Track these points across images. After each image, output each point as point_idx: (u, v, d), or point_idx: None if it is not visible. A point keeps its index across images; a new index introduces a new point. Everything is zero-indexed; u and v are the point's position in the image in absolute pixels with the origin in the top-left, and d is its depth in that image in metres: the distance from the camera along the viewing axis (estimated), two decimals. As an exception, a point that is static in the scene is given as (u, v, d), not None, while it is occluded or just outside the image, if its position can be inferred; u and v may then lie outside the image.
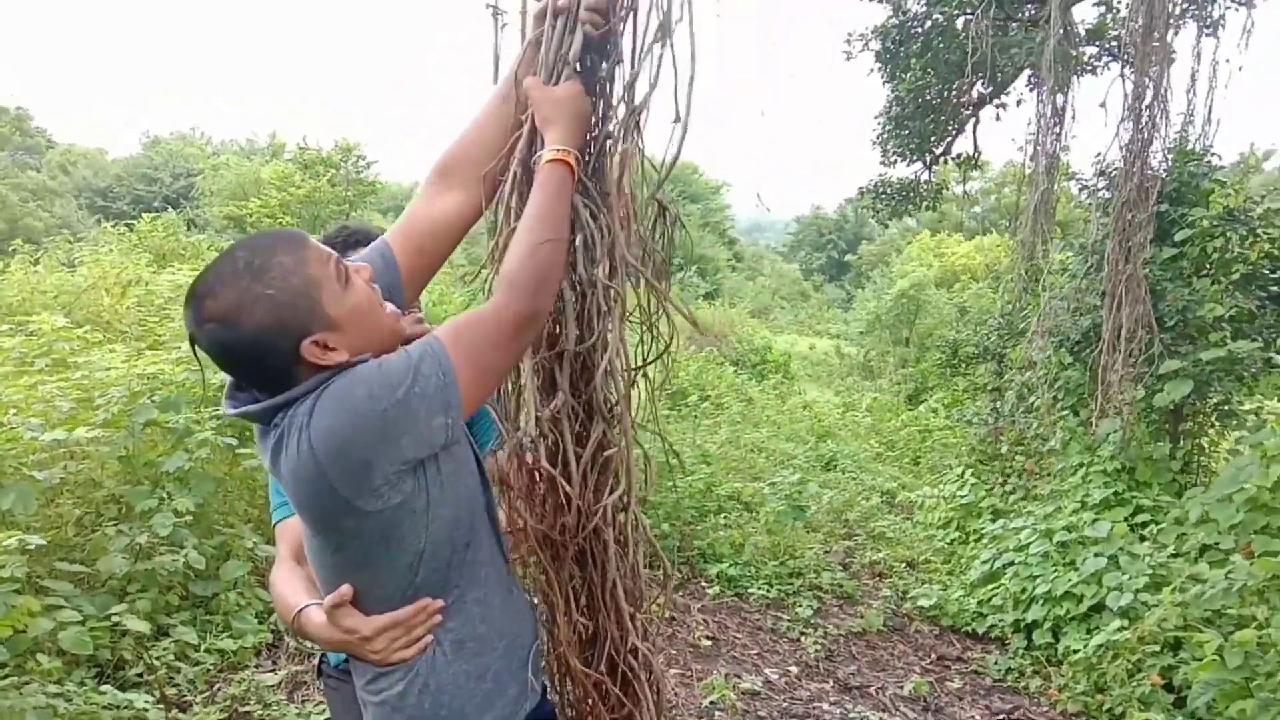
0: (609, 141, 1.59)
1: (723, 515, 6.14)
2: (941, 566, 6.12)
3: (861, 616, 5.23)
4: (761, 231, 70.79)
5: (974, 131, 12.42)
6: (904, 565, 6.14)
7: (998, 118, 12.16)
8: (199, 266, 12.74)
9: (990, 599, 5.26)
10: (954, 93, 11.49)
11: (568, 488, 1.57)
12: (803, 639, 4.90)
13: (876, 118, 12.49)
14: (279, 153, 30.79)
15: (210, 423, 4.16)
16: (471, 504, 1.48)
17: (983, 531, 5.96)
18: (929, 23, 11.11)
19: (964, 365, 10.76)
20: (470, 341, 1.38)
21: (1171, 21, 9.24)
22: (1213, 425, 6.13)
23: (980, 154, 12.78)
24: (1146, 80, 5.52)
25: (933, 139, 12.37)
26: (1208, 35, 10.10)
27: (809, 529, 6.34)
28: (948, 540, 6.48)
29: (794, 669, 4.58)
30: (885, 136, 12.49)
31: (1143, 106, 5.49)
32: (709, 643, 4.71)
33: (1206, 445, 6.24)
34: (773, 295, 42.87)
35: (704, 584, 5.41)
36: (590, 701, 1.71)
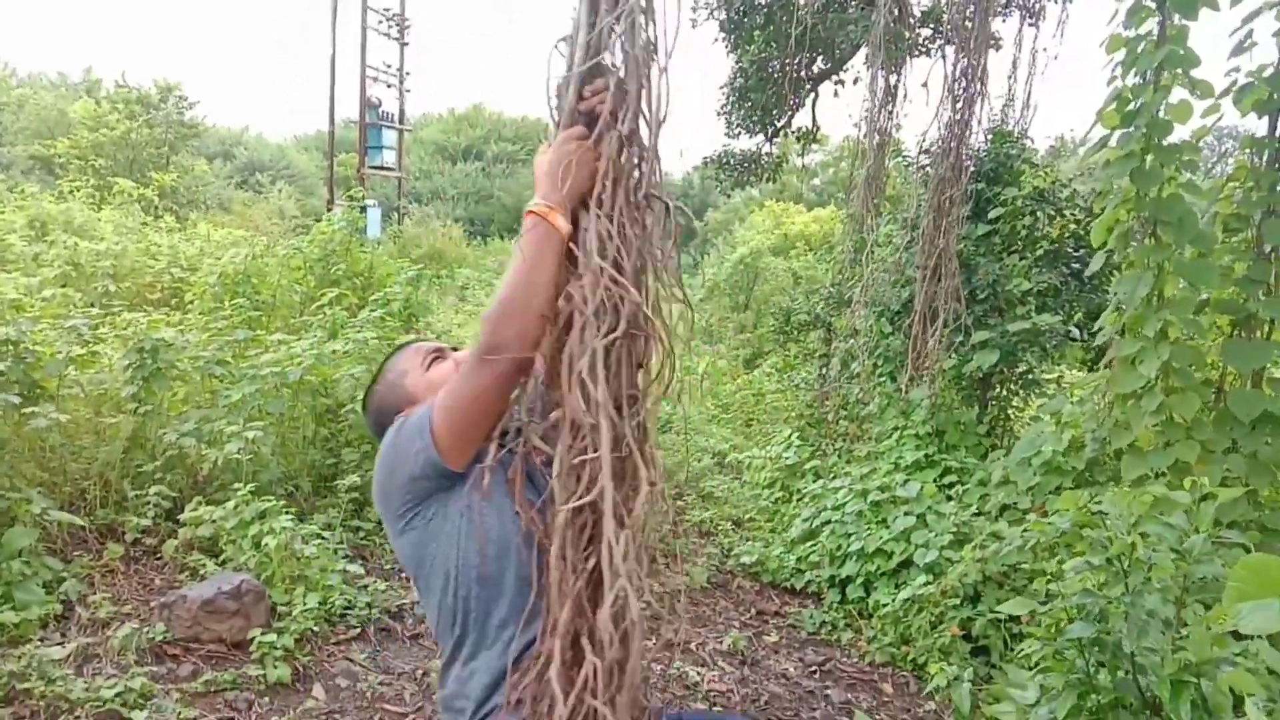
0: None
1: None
2: (765, 525, 6.32)
3: (687, 575, 5.36)
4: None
5: (813, 106, 12.74)
6: (730, 524, 6.31)
7: (836, 93, 12.52)
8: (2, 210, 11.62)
9: (808, 556, 5.47)
10: (794, 67, 11.73)
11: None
12: (629, 598, 4.97)
13: (721, 88, 12.62)
14: (94, 90, 28.56)
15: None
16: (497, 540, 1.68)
17: (805, 491, 6.18)
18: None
19: (796, 332, 11.08)
20: (450, 381, 1.67)
21: (997, 9, 9.70)
22: (1017, 393, 6.53)
23: (819, 128, 13.13)
24: (967, 62, 5.76)
25: (774, 112, 12.61)
26: (1029, 25, 10.65)
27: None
28: (772, 500, 6.69)
29: (619, 627, 4.64)
30: (729, 108, 12.65)
31: (961, 88, 5.74)
32: (535, 603, 4.72)
33: (1012, 412, 6.66)
34: (620, 259, 42.99)
35: (533, 545, 5.41)
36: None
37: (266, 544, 4.14)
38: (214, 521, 4.35)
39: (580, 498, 1.48)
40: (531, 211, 1.60)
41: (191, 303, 8.02)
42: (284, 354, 5.50)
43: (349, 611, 4.29)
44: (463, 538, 1.66)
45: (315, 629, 4.04)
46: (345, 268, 9.17)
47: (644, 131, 1.61)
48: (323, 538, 4.57)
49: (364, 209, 15.25)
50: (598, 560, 1.49)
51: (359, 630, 4.23)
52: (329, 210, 17.07)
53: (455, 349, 1.95)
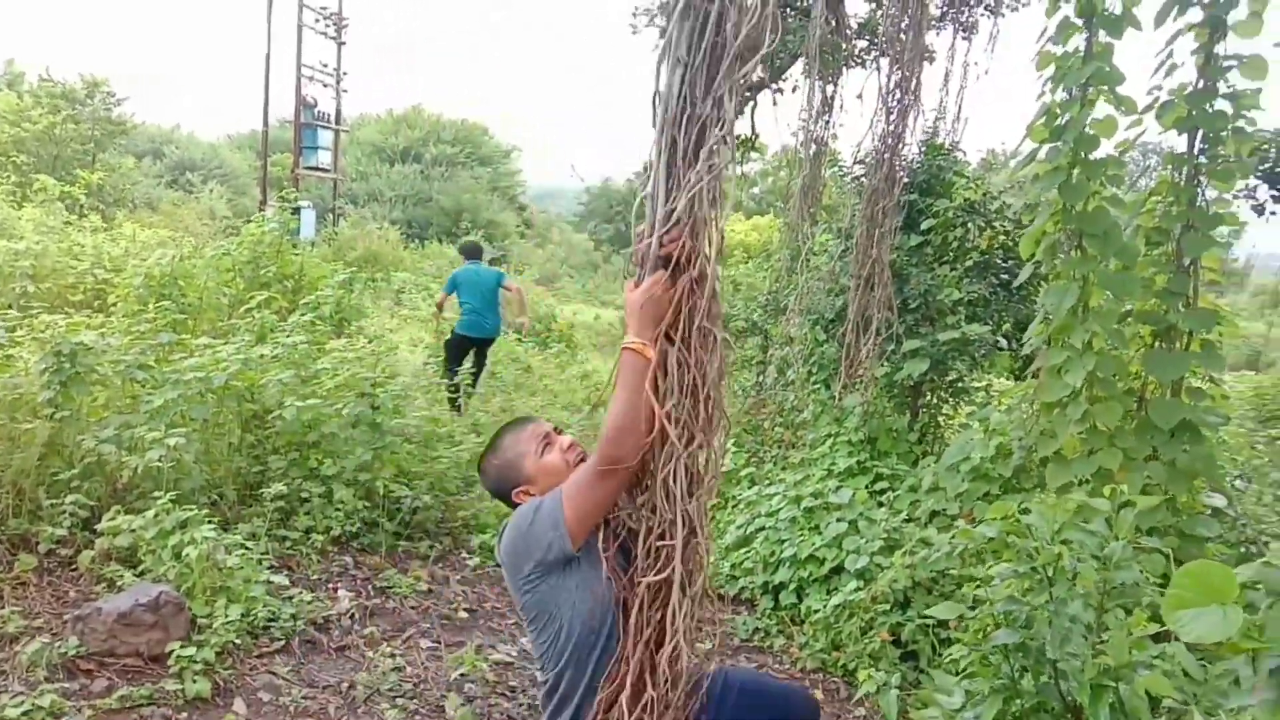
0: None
1: (489, 484, 6.08)
2: (701, 533, 6.31)
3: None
4: (552, 199, 70.54)
5: (752, 114, 12.82)
6: (666, 532, 6.29)
7: (774, 102, 12.64)
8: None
9: (742, 562, 5.48)
10: (733, 74, 11.79)
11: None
12: (562, 607, 4.93)
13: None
14: (16, 83, 27.66)
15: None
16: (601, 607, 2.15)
17: (740, 498, 6.20)
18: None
19: (733, 339, 11.15)
20: (573, 481, 2.13)
21: (931, 23, 9.87)
22: (947, 401, 6.64)
23: (758, 136, 13.22)
24: (901, 74, 5.85)
25: (713, 118, 12.64)
26: (963, 38, 10.85)
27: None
28: (708, 506, 6.67)
29: (551, 637, 4.60)
30: (668, 113, 12.65)
31: (895, 100, 5.82)
32: (466, 614, 4.65)
33: (942, 420, 6.76)
34: (561, 264, 42.93)
35: (465, 555, 5.34)
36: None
37: (187, 554, 4.01)
38: (133, 531, 4.20)
39: (658, 574, 2.04)
40: (630, 349, 2.05)
41: (115, 305, 7.78)
42: (209, 358, 5.36)
43: (273, 623, 4.18)
44: (577, 600, 2.13)
45: (237, 642, 3.92)
46: (276, 270, 8.99)
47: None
48: (246, 548, 4.45)
49: (297, 210, 14.98)
50: (663, 616, 2.06)
51: (283, 642, 4.12)
52: (260, 211, 16.74)
53: (559, 430, 2.43)
